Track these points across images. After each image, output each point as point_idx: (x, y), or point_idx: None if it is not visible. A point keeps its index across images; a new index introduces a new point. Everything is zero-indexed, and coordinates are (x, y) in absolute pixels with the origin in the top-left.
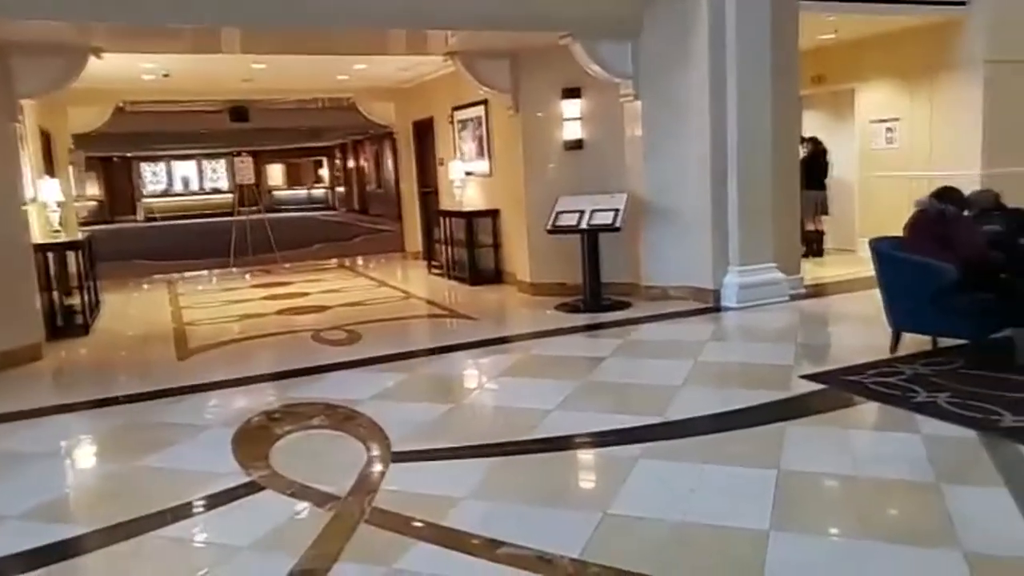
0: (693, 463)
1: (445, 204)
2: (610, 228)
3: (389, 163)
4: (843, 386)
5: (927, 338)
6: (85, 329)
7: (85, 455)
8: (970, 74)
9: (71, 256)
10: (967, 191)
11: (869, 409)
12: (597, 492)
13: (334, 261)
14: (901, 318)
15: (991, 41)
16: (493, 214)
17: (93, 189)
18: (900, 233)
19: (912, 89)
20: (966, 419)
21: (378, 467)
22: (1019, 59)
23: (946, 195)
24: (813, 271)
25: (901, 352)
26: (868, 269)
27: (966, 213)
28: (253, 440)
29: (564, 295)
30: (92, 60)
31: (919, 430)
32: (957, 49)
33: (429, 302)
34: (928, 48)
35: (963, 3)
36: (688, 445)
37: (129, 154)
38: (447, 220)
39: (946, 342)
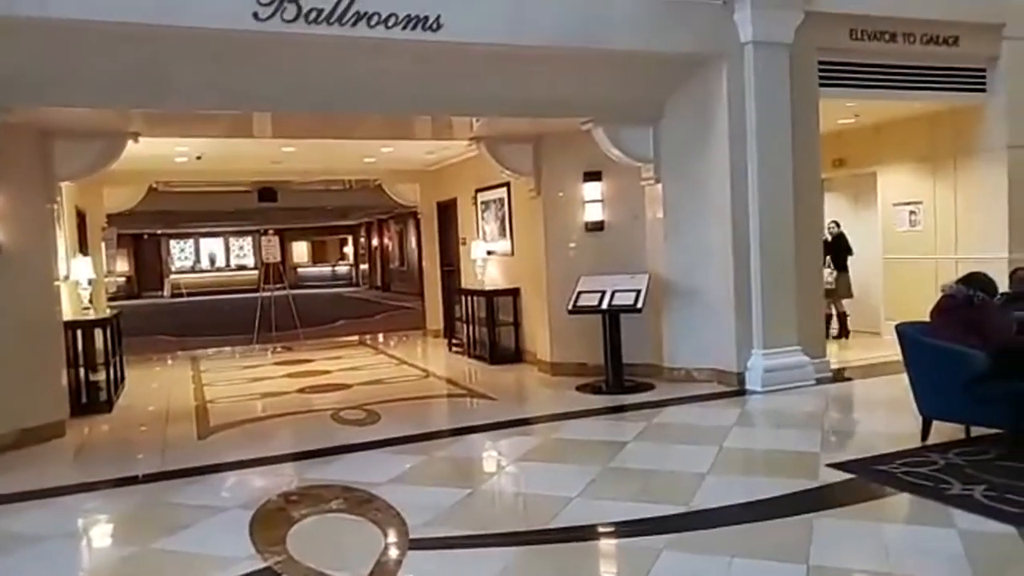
0: (720, 555)
1: (467, 283)
2: (632, 309)
3: (412, 242)
4: (872, 476)
5: (959, 426)
6: (109, 406)
7: (101, 536)
8: (993, 159)
9: (98, 333)
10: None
11: (901, 501)
12: None
13: (355, 338)
14: (931, 405)
15: (1013, 126)
16: (514, 293)
17: (122, 265)
18: (926, 316)
19: (935, 173)
20: (1005, 514)
21: (395, 554)
22: None
23: (974, 279)
24: (838, 354)
25: (932, 440)
26: (894, 352)
27: (995, 298)
28: (270, 523)
29: (585, 375)
30: (129, 144)
31: (955, 524)
32: (979, 134)
33: (449, 381)
34: (950, 132)
35: (982, 90)
36: (715, 536)
37: (159, 231)
38: (468, 299)
39: (979, 431)
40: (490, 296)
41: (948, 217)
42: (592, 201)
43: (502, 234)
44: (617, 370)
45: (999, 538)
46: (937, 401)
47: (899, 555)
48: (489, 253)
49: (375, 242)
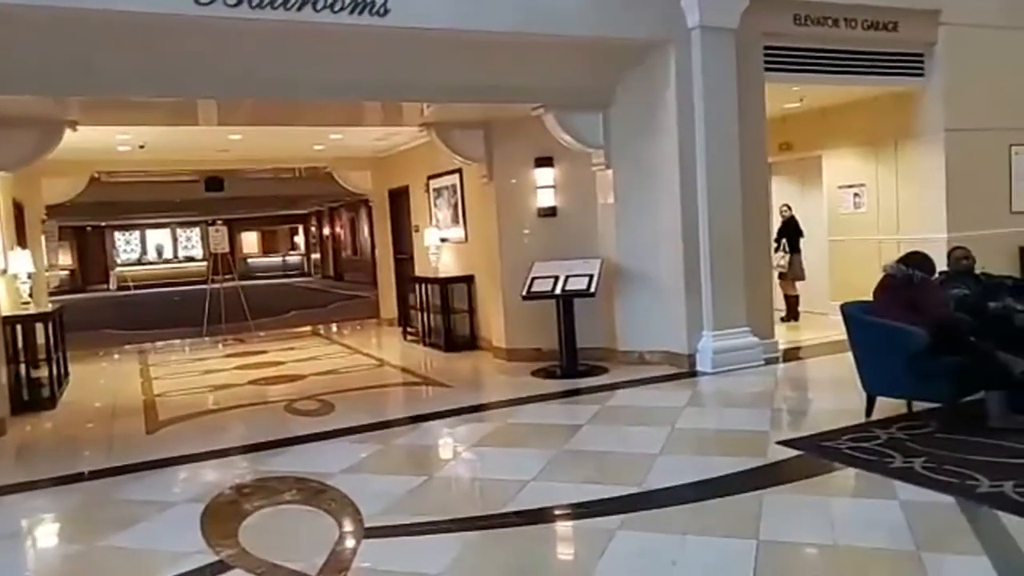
0: (673, 534)
1: (420, 270)
2: (585, 293)
3: (365, 230)
4: (819, 452)
5: (901, 401)
6: (52, 402)
7: (47, 535)
8: (932, 141)
9: (39, 328)
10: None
11: (846, 475)
12: (576, 566)
13: (308, 328)
14: (875, 382)
15: (949, 110)
16: (468, 280)
17: (65, 258)
18: (869, 296)
19: (877, 156)
20: (943, 484)
21: (350, 543)
22: (976, 128)
23: (913, 259)
24: (786, 334)
25: (876, 416)
26: (840, 332)
27: (933, 277)
28: (222, 517)
29: (540, 361)
30: (67, 132)
31: (897, 496)
32: (918, 118)
33: (404, 369)
34: (891, 116)
35: (920, 75)
36: (668, 515)
37: (103, 223)
38: (422, 286)
39: (920, 405)
40: (444, 283)
41: (890, 199)
42: (544, 187)
43: (455, 221)
44: (571, 355)
45: (938, 507)
46: (880, 378)
47: (844, 527)
48: (443, 240)
49: (326, 231)
